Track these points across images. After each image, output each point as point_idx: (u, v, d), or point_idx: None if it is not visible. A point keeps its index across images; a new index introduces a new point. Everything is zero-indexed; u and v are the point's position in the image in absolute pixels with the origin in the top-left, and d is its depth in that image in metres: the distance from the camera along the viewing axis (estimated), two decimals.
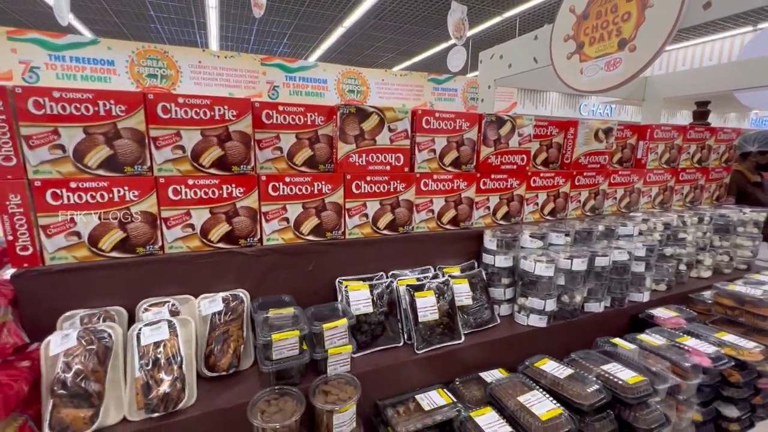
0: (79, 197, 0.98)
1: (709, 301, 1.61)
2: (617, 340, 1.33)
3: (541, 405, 1.00)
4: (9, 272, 0.97)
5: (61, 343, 0.87)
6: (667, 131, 1.97)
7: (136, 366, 0.92)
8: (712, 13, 2.32)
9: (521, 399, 1.03)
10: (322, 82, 6.72)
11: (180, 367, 0.95)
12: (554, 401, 1.02)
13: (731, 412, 1.29)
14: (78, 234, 1.00)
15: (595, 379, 1.12)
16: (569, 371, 1.15)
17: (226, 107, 1.10)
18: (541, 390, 1.08)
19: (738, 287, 1.54)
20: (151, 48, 5.39)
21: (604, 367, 1.17)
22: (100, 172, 1.00)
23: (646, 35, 2.57)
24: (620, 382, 1.09)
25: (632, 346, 1.28)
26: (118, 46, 5.22)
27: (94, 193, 0.99)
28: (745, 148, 2.71)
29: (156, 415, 0.89)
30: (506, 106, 7.61)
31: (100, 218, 1.01)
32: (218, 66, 5.87)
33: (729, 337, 1.36)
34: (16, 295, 0.96)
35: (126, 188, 1.02)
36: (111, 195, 1.01)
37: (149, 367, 0.92)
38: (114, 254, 1.04)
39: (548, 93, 11.61)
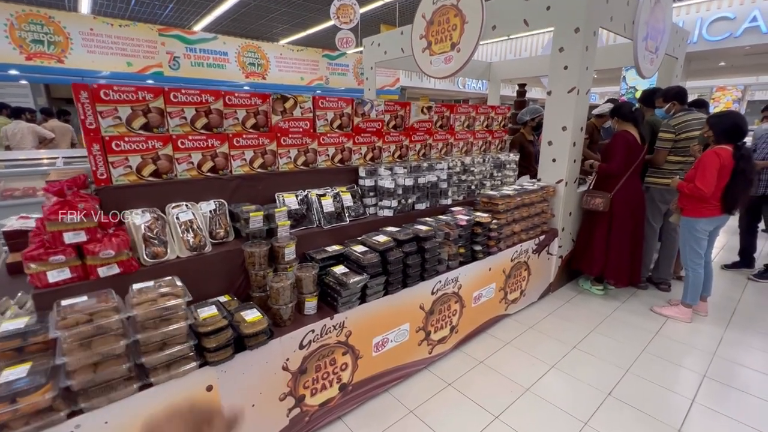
0: (129, 146, 1.78)
1: (479, 200, 3.02)
2: (426, 218, 2.60)
3: (380, 237, 2.18)
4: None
5: (141, 218, 1.72)
6: (466, 108, 3.31)
7: (179, 231, 1.81)
8: (497, 32, 3.72)
9: (374, 238, 2.20)
10: (223, 54, 7.00)
11: (201, 232, 1.86)
12: (388, 237, 2.21)
13: (477, 247, 2.68)
14: (130, 167, 1.80)
15: (410, 230, 2.34)
16: (398, 229, 2.36)
17: (210, 96, 1.96)
18: (383, 234, 2.26)
19: (489, 192, 2.96)
20: (33, 12, 5.09)
21: (416, 227, 2.41)
22: (141, 131, 1.80)
23: (466, 42, 3.92)
24: (420, 230, 2.33)
25: (432, 220, 2.57)
26: None
27: (137, 144, 1.79)
28: (523, 118, 4.32)
29: (194, 253, 1.81)
30: (391, 80, 8.85)
31: (141, 157, 1.82)
32: (112, 34, 5.77)
33: (479, 213, 2.75)
34: (101, 201, 1.74)
35: (154, 141, 1.84)
36: (146, 144, 1.82)
37: (187, 232, 1.82)
38: (150, 179, 1.86)
39: None
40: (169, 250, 1.75)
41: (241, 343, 1.63)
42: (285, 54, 7.78)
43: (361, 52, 5.68)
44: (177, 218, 1.82)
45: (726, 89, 14.41)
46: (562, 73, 3.17)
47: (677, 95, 3.31)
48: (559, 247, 3.52)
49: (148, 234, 1.69)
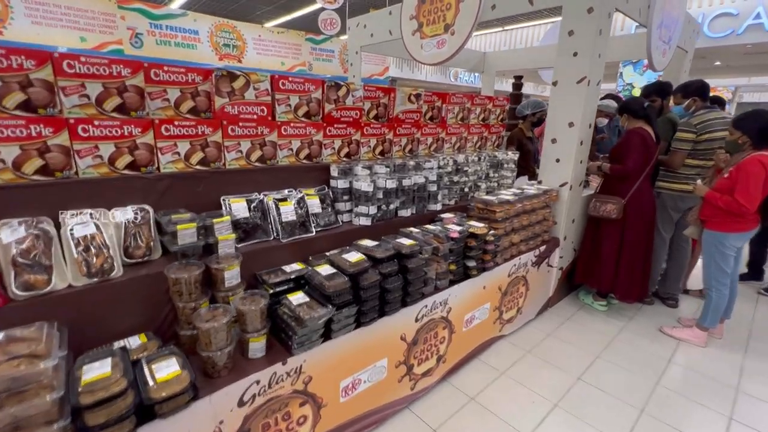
0: (1, 132, 1.28)
1: (473, 206, 2.59)
2: (411, 228, 2.16)
3: (352, 255, 1.73)
4: None
5: (12, 234, 1.23)
6: (460, 97, 2.86)
7: (73, 252, 1.33)
8: (497, 12, 3.27)
9: (344, 256, 1.74)
10: (193, 33, 6.35)
11: (108, 251, 1.39)
12: (362, 255, 1.76)
13: (471, 263, 2.26)
14: (3, 161, 1.30)
15: (390, 245, 1.90)
16: (376, 243, 1.91)
17: (124, 68, 1.46)
18: (357, 251, 1.81)
19: (485, 197, 2.53)
20: None
21: (398, 240, 1.96)
22: (18, 112, 1.31)
23: (461, 23, 3.45)
24: (403, 245, 1.89)
25: (417, 230, 2.13)
26: None
27: (13, 129, 1.30)
28: (523, 112, 3.89)
29: (96, 279, 1.33)
30: (380, 69, 8.32)
31: (20, 148, 1.32)
32: (62, 4, 5.08)
33: (473, 222, 2.32)
34: None
35: (40, 125, 1.34)
36: (28, 131, 1.33)
37: (85, 252, 1.34)
38: (36, 177, 1.37)
39: None
40: (55, 278, 1.27)
41: (150, 408, 1.17)
42: (264, 36, 7.17)
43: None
44: (71, 233, 1.34)
45: (716, 90, 14.32)
46: (570, 61, 2.74)
47: (699, 90, 2.92)
48: (560, 258, 3.13)
49: (19, 258, 1.21)
